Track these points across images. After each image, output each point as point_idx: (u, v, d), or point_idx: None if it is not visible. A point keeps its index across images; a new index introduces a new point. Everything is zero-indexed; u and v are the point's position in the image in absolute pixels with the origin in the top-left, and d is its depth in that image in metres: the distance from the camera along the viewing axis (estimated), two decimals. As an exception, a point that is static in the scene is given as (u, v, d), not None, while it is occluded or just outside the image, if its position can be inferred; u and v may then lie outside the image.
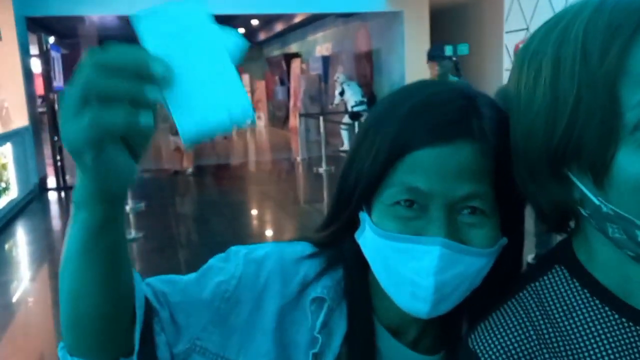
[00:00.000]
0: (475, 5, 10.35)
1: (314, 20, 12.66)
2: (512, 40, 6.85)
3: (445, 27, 11.03)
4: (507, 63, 7.05)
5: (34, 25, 8.47)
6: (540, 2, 6.16)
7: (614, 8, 0.41)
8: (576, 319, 0.47)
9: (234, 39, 0.43)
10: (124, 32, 14.53)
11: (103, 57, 0.37)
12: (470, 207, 0.50)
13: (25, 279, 4.42)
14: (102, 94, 0.36)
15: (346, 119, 9.57)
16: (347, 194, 0.56)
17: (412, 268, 0.49)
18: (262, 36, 16.55)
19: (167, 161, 9.60)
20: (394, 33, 9.58)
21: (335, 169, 8.18)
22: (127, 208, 6.07)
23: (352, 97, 9.74)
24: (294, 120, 13.24)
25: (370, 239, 0.53)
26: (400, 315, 0.54)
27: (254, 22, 14.68)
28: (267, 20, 14.28)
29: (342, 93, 10.25)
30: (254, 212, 6.73)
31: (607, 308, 0.47)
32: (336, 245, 0.60)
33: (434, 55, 4.70)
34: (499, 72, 7.94)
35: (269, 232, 5.76)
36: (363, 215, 0.55)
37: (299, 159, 9.77)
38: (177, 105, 0.40)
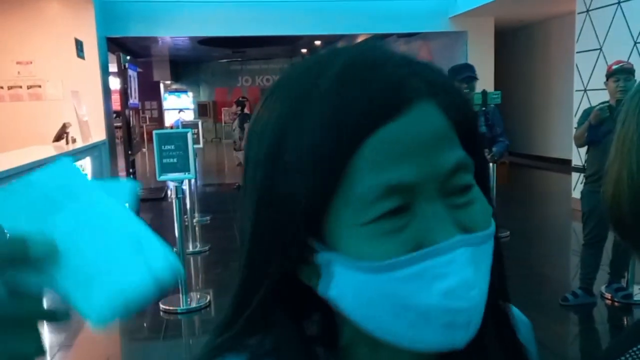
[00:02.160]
0: (544, 25, 10.05)
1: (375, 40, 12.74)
2: (583, 60, 6.57)
3: (511, 47, 10.78)
4: (578, 84, 6.77)
5: (112, 45, 9.09)
6: (615, 22, 5.90)
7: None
8: None
9: (123, 187, 0.36)
10: (193, 52, 15.28)
11: None
12: (460, 186, 0.37)
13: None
14: None
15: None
16: (270, 236, 0.38)
17: (441, 290, 0.35)
18: (324, 56, 16.82)
19: (230, 176, 9.90)
20: (456, 53, 9.47)
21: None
22: (194, 221, 6.28)
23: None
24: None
25: (355, 282, 0.36)
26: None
27: (317, 42, 14.99)
28: (330, 41, 14.54)
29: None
30: None
31: None
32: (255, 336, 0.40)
33: (465, 77, 3.77)
34: (568, 93, 7.63)
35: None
36: (323, 256, 0.37)
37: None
38: (77, 285, 0.31)
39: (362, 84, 0.35)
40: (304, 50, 16.87)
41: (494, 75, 9.39)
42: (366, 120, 0.34)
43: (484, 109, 3.46)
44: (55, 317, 0.30)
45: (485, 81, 9.36)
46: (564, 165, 7.47)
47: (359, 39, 12.71)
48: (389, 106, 0.35)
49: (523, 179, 9.19)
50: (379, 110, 0.35)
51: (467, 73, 3.34)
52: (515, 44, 10.84)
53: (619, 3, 5.83)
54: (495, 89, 9.57)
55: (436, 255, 0.35)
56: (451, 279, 0.35)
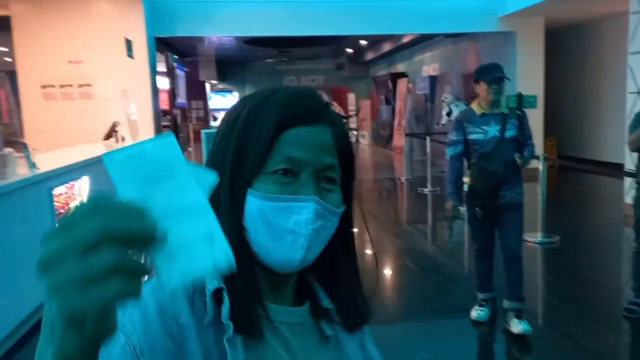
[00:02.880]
0: (596, 25, 9.61)
1: (422, 41, 12.57)
2: (637, 62, 6.25)
3: (561, 48, 10.36)
4: (631, 86, 6.43)
5: (160, 45, 9.32)
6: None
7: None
8: None
9: (207, 176, 0.41)
10: (239, 52, 15.55)
11: (112, 228, 0.33)
12: (327, 177, 0.63)
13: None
14: (109, 267, 0.32)
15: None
16: (230, 179, 0.62)
17: (294, 221, 0.60)
18: (369, 56, 16.76)
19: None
20: (505, 54, 9.20)
21: (441, 190, 8.02)
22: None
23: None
24: (399, 140, 13.17)
25: (254, 205, 0.61)
26: (274, 279, 0.64)
27: (362, 42, 14.94)
28: (376, 41, 14.46)
29: (449, 113, 10.03)
30: (360, 229, 6.71)
31: None
32: None
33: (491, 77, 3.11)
34: (621, 95, 7.27)
35: (369, 250, 5.73)
36: (249, 192, 0.61)
37: (403, 178, 9.70)
38: (161, 255, 0.36)
39: (295, 103, 0.63)
40: (349, 50, 16.86)
41: (544, 76, 9.08)
42: (292, 121, 0.62)
43: (518, 112, 3.23)
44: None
45: (534, 83, 9.06)
46: (616, 170, 7.13)
47: (405, 39, 12.58)
48: (306, 117, 0.63)
49: (574, 183, 8.85)
50: (299, 118, 0.63)
51: (496, 74, 3.12)
52: (565, 44, 10.43)
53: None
54: (545, 91, 9.25)
55: (298, 201, 0.60)
56: (301, 216, 0.60)
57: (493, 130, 3.13)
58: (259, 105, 0.64)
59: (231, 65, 18.54)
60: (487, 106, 3.17)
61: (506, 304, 3.31)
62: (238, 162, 0.62)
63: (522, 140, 3.19)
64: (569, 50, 10.49)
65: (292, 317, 0.66)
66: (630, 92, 6.45)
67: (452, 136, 3.30)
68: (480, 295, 3.47)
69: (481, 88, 3.16)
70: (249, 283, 0.62)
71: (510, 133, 3.15)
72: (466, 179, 3.31)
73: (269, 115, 0.62)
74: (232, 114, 0.66)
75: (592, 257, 5.04)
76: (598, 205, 7.59)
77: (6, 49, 7.82)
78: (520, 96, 3.97)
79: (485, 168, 3.12)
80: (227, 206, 0.61)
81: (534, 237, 5.22)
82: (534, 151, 3.27)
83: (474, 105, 3.26)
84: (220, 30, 9.43)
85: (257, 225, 0.61)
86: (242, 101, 0.67)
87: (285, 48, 15.34)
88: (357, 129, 19.39)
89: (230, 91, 19.39)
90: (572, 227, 5.88)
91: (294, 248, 0.60)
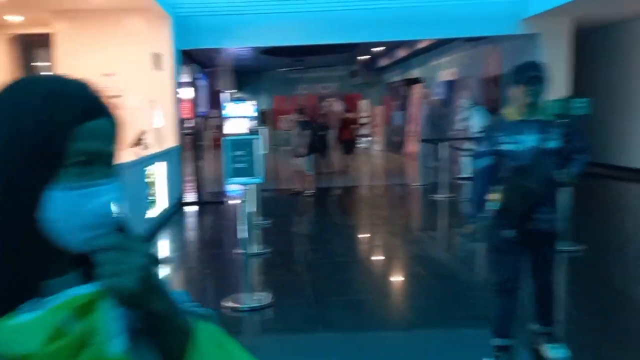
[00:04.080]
0: (627, 25, 9.51)
1: (440, 45, 12.53)
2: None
3: (589, 50, 10.22)
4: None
5: (184, 57, 9.48)
6: None
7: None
8: None
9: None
10: (255, 62, 15.60)
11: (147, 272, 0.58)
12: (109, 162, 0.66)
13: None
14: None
15: (468, 145, 9.27)
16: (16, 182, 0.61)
17: (100, 203, 0.62)
18: (383, 62, 16.75)
19: (286, 181, 10.00)
20: (528, 57, 9.10)
21: (453, 197, 7.94)
22: (257, 224, 6.39)
23: (479, 122, 9.43)
24: (412, 146, 13.11)
25: (55, 198, 0.61)
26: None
27: (377, 48, 14.92)
28: (391, 47, 14.43)
29: (466, 118, 9.96)
30: (371, 235, 6.71)
31: None
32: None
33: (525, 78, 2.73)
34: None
35: (388, 257, 5.71)
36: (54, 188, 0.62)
37: (415, 184, 9.64)
38: None
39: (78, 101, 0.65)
40: (363, 57, 16.85)
41: (573, 80, 8.94)
42: (86, 115, 0.63)
43: (565, 120, 2.78)
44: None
45: (560, 86, 8.94)
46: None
47: (421, 45, 12.53)
48: (97, 111, 0.65)
49: (601, 190, 8.70)
50: (92, 112, 0.64)
51: (532, 72, 2.66)
52: (594, 45, 10.29)
53: None
54: (573, 95, 9.09)
55: (97, 185, 0.63)
56: (106, 197, 0.63)
57: (530, 140, 2.67)
58: (52, 108, 0.64)
59: (248, 74, 18.61)
60: (523, 112, 2.70)
61: (535, 327, 2.99)
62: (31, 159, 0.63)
63: (568, 153, 2.71)
64: (598, 51, 10.36)
65: None
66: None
67: (480, 147, 2.88)
68: (497, 342, 2.86)
69: (515, 90, 2.72)
70: None
71: (552, 144, 2.67)
72: (494, 196, 2.79)
73: (68, 116, 0.64)
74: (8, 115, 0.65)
75: (620, 268, 4.89)
76: (627, 213, 7.45)
77: (49, 64, 8.31)
78: (567, 101, 3.43)
79: (522, 184, 2.67)
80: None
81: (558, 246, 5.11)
82: (583, 167, 2.79)
83: (508, 112, 2.80)
84: (239, 41, 9.54)
85: (53, 215, 0.63)
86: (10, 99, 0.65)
87: (300, 57, 15.38)
88: (369, 135, 19.36)
89: (243, 99, 19.44)
90: (599, 236, 5.74)
91: (96, 230, 0.65)
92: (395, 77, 17.35)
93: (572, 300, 4.08)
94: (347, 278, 4.73)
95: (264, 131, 7.49)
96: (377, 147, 17.81)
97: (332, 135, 11.47)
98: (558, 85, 8.91)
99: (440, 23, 8.90)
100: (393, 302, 4.30)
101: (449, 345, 3.28)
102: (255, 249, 5.30)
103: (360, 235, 6.70)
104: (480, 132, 2.93)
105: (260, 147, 4.37)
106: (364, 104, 20.03)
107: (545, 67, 2.74)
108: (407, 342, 3.38)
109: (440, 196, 8.13)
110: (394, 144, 15.87)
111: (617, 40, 9.93)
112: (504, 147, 2.72)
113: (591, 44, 10.25)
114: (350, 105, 17.95)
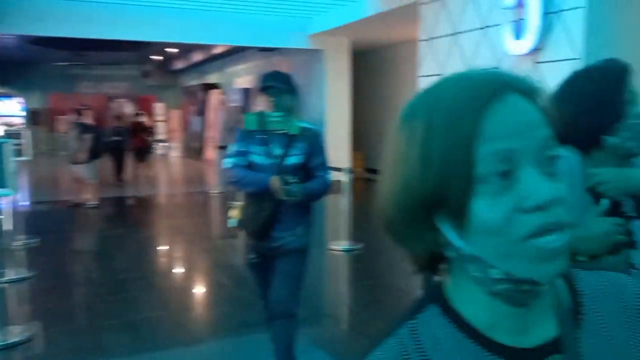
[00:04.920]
0: (393, 49, 10.85)
1: (234, 53, 12.58)
2: (425, 84, 7.17)
3: (365, 67, 11.44)
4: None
5: None
6: (451, 50, 6.55)
7: (471, 80, 0.52)
8: (445, 352, 0.54)
9: None
10: (21, 52, 13.46)
11: None
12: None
13: None
14: None
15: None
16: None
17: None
18: (179, 65, 16.15)
19: (65, 192, 8.85)
20: (315, 70, 9.73)
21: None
22: (19, 243, 5.44)
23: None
24: (211, 152, 12.90)
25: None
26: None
27: (170, 50, 14.30)
28: (185, 50, 13.98)
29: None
30: (164, 247, 6.31)
31: (471, 342, 0.54)
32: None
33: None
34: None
35: (178, 269, 5.40)
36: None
37: (215, 191, 9.46)
38: None
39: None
40: (157, 57, 15.96)
41: (351, 92, 9.84)
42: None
43: (308, 134, 2.50)
44: None
45: (342, 99, 9.77)
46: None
47: (217, 50, 12.41)
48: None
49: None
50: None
51: (269, 82, 2.47)
52: (369, 65, 11.54)
53: (453, 35, 6.49)
54: (353, 108, 10.03)
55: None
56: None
57: (273, 154, 2.46)
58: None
59: (11, 66, 15.91)
60: (262, 121, 2.48)
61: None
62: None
63: (309, 169, 2.48)
64: (372, 70, 11.63)
65: None
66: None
67: (234, 147, 2.57)
68: None
69: (260, 98, 2.50)
70: None
71: (292, 160, 2.45)
72: (233, 213, 2.65)
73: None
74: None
75: (389, 262, 5.26)
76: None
77: None
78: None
79: (254, 202, 2.49)
80: None
81: (339, 245, 5.55)
82: (323, 186, 2.49)
83: (248, 119, 2.56)
84: (1, 27, 7.99)
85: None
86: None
87: (80, 51, 13.82)
88: (166, 140, 18.47)
89: (9, 96, 16.60)
90: (376, 235, 6.38)
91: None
92: (193, 80, 16.90)
93: (349, 293, 4.54)
94: (129, 296, 4.29)
95: (28, 133, 6.37)
96: (175, 154, 17.08)
97: (127, 140, 10.54)
98: (339, 97, 9.76)
99: (234, 30, 8.90)
100: (179, 316, 4.00)
101: (242, 352, 3.28)
102: (13, 274, 4.57)
103: (150, 249, 6.19)
104: (233, 141, 2.60)
105: (17, 152, 3.65)
106: (159, 107, 19.03)
107: (290, 79, 2.54)
108: (195, 356, 3.29)
109: (240, 203, 8.07)
110: (193, 150, 15.39)
111: (387, 62, 11.34)
112: (252, 157, 2.50)
113: (366, 63, 11.50)
114: (144, 107, 16.84)
